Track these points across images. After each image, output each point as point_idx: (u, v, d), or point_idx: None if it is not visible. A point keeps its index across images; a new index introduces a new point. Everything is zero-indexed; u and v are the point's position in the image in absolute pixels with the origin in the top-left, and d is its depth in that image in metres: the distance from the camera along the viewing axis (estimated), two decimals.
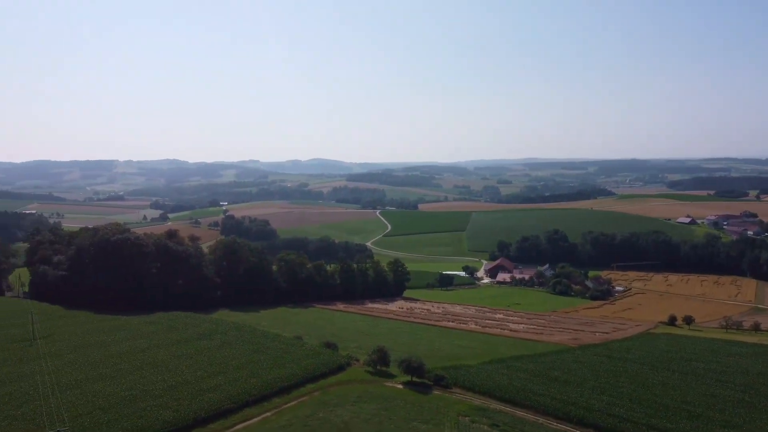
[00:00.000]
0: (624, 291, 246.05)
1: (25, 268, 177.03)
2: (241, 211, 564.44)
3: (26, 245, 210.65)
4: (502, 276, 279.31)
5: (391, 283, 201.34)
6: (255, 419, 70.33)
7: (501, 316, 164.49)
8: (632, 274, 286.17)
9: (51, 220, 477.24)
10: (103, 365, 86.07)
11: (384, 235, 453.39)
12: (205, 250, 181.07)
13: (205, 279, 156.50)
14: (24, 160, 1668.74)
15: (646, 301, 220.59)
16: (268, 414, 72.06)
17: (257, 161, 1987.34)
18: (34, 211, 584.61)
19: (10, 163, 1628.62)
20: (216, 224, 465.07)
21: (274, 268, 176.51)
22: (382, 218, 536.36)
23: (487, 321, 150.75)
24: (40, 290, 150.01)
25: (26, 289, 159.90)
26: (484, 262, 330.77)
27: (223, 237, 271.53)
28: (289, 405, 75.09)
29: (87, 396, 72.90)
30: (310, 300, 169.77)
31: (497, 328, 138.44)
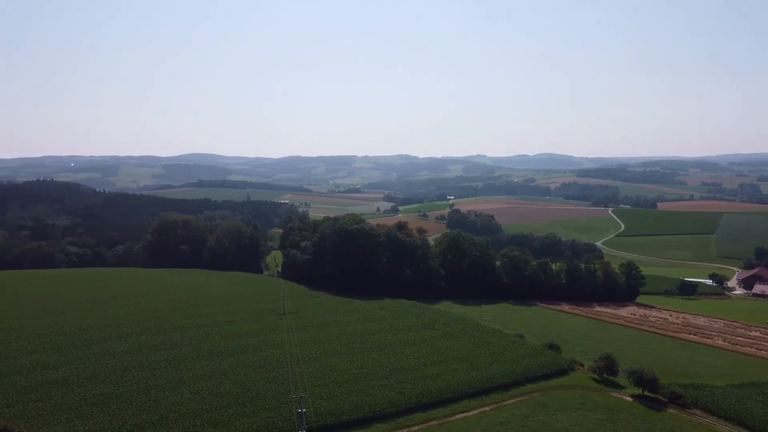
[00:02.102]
0: None
1: (279, 251, 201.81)
2: (467, 205, 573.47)
3: (280, 231, 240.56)
4: (759, 288, 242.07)
5: (622, 287, 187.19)
6: (473, 411, 71.29)
7: (757, 333, 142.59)
8: None
9: (300, 210, 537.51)
10: (338, 342, 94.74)
11: (616, 235, 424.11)
12: (431, 242, 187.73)
13: (430, 270, 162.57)
14: (281, 156, 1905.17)
15: None
16: (486, 409, 72.47)
17: (484, 156, 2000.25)
18: (287, 201, 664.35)
19: (270, 159, 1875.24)
20: (442, 218, 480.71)
21: (497, 263, 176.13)
22: (615, 217, 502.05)
23: (738, 338, 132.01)
24: (290, 271, 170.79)
25: (279, 269, 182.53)
26: (737, 270, 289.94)
27: (448, 230, 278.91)
28: (507, 402, 74.63)
29: (324, 369, 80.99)
30: (532, 298, 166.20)
31: (752, 348, 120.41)
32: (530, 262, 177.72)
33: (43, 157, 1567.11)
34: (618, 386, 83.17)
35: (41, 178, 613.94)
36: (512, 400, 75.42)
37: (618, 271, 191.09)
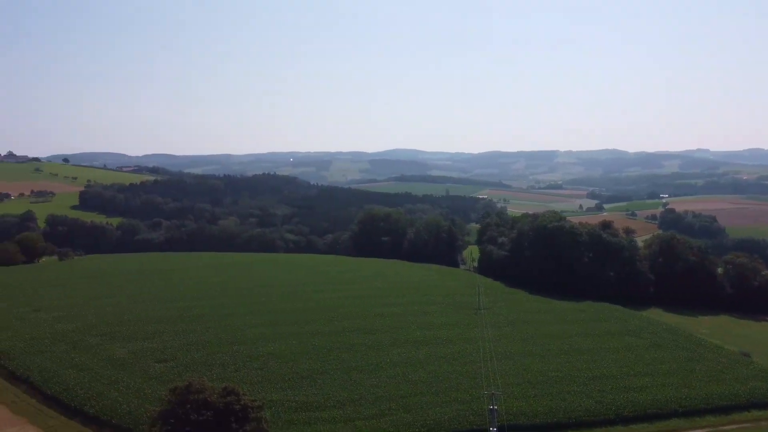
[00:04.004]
0: None
1: (476, 246, 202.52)
2: (683, 204, 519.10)
3: (478, 226, 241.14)
4: None
5: None
6: None
7: None
8: None
9: (498, 205, 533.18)
10: (533, 343, 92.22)
11: None
12: (640, 244, 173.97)
13: (637, 274, 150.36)
14: (480, 152, 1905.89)
15: None
16: (700, 431, 65.18)
17: (706, 150, 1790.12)
18: (485, 197, 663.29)
19: (470, 154, 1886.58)
20: (653, 218, 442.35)
21: (719, 270, 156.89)
22: None
23: None
24: (486, 266, 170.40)
25: (476, 264, 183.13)
26: None
27: (660, 231, 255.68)
28: (726, 428, 66.38)
29: (518, 368, 79.44)
30: (762, 312, 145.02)
31: None
32: (761, 272, 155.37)
33: (268, 154, 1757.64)
34: None
35: (266, 172, 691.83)
36: (732, 426, 66.84)
37: None
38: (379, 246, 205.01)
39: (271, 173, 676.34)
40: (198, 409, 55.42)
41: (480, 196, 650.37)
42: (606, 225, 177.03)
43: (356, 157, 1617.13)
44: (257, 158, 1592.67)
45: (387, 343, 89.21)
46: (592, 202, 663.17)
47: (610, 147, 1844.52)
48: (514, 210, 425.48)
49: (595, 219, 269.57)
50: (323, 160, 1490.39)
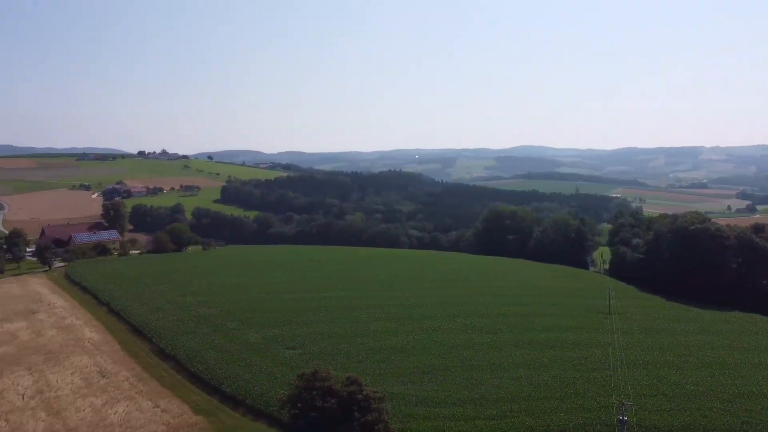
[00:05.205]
0: None
1: (607, 247, 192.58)
2: None
3: (609, 226, 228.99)
4: None
5: None
6: None
7: None
8: None
9: (633, 205, 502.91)
10: (670, 353, 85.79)
11: None
12: None
13: None
14: (614, 148, 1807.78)
15: None
16: None
17: None
18: (618, 195, 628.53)
19: (602, 150, 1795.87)
20: None
21: None
22: None
23: None
24: (618, 269, 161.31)
25: (606, 266, 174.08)
26: None
27: None
28: None
29: (652, 379, 74.30)
30: None
31: None
32: None
33: (393, 151, 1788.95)
34: None
35: (391, 169, 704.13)
36: None
37: None
38: (503, 244, 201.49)
39: (397, 170, 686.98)
40: (323, 395, 57.79)
41: (613, 195, 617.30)
42: (759, 228, 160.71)
43: (481, 154, 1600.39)
44: (383, 155, 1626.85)
45: (510, 343, 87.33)
46: (743, 203, 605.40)
47: (766, 142, 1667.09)
48: (651, 210, 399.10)
49: (746, 221, 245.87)
50: (448, 157, 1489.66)
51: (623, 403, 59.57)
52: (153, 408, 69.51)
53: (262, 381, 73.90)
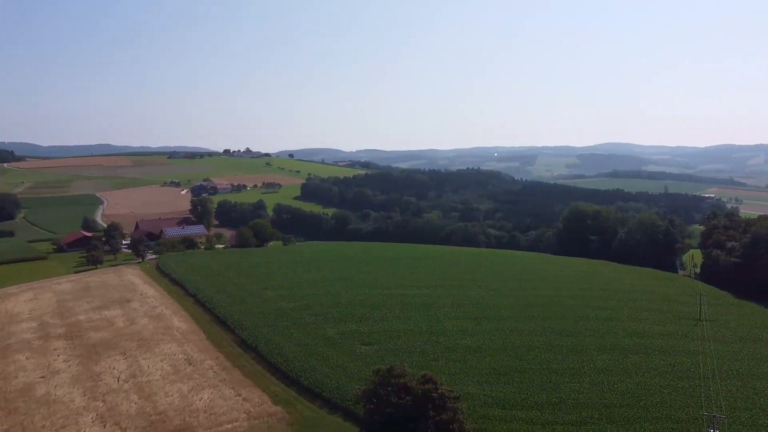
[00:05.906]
0: None
1: (698, 250, 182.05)
2: None
3: (701, 228, 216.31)
4: None
5: None
6: None
7: None
8: None
9: (728, 205, 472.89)
10: (767, 364, 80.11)
11: None
12: None
13: None
14: (708, 145, 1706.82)
15: None
16: None
17: None
18: (712, 195, 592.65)
19: (693, 148, 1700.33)
20: None
21: None
22: None
23: None
24: (710, 273, 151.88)
25: (697, 270, 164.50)
26: None
27: None
28: None
29: (747, 391, 69.64)
30: None
31: None
32: None
33: (472, 149, 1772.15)
34: None
35: (470, 167, 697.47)
36: None
37: None
38: (585, 245, 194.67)
39: (475, 168, 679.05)
40: (398, 392, 58.00)
41: (705, 195, 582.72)
42: None
43: (563, 152, 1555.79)
44: (461, 153, 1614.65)
45: (592, 347, 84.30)
46: None
47: None
48: (749, 211, 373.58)
49: None
50: (528, 155, 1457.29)
51: (714, 416, 56.19)
52: (235, 396, 72.30)
53: (339, 375, 75.13)
